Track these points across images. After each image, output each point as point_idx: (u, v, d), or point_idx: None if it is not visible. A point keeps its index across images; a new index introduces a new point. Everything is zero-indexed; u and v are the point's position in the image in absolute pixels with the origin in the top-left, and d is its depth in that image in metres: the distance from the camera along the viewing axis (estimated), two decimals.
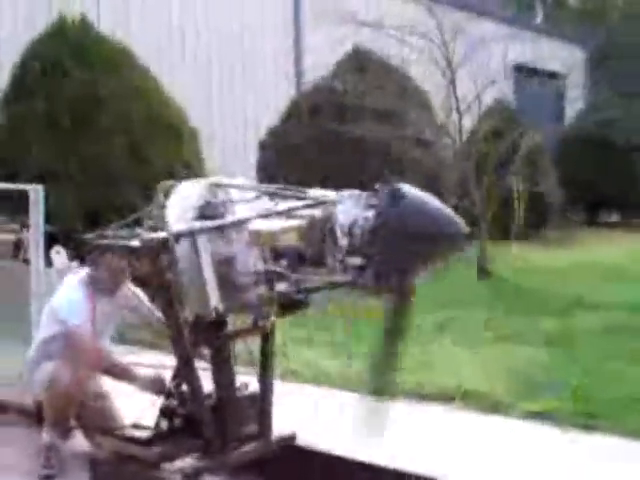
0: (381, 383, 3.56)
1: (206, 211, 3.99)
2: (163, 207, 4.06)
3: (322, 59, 14.90)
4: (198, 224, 3.85)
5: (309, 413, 5.59)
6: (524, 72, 24.36)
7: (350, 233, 3.55)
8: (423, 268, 3.51)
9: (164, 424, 4.16)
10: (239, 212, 4.02)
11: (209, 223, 3.84)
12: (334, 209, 3.59)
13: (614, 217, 22.81)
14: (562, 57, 24.05)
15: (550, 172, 17.60)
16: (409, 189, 3.49)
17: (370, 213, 3.52)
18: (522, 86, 24.34)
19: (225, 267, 3.90)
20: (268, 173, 13.54)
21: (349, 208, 3.59)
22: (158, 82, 10.64)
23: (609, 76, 26.88)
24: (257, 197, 4.07)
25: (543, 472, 4.71)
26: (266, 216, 3.78)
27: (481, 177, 11.60)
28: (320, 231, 3.62)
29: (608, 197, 20.87)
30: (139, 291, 4.82)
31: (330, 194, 3.71)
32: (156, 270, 3.82)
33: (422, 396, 6.08)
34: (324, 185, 3.92)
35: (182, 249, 3.81)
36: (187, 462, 4.03)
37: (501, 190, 12.42)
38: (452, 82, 11.90)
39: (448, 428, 5.49)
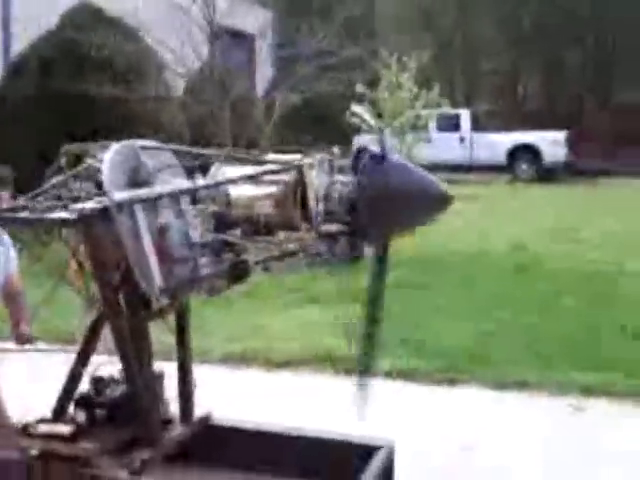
0: (368, 356, 3.46)
1: (137, 177, 3.60)
2: (76, 174, 3.67)
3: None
4: (145, 191, 3.47)
5: None
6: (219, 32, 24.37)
7: (327, 198, 3.39)
8: (409, 229, 3.44)
9: (81, 416, 3.76)
10: (168, 178, 3.69)
11: (163, 189, 3.48)
12: (307, 174, 3.39)
13: None
14: (252, 18, 24.38)
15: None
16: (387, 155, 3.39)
17: (348, 177, 3.39)
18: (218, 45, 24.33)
19: (162, 239, 3.56)
20: None
21: (321, 172, 3.43)
22: None
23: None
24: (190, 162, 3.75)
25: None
26: (236, 181, 3.47)
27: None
28: (293, 197, 3.41)
29: None
30: None
31: (297, 158, 3.49)
32: (95, 245, 3.41)
33: (269, 363, 5.97)
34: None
35: (120, 220, 3.41)
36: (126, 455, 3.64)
37: None
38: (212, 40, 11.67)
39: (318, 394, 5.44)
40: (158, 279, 3.43)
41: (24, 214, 3.52)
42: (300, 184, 3.39)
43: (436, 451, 4.60)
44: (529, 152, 25.17)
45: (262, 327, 6.80)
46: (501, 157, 24.99)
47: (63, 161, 3.84)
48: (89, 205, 3.41)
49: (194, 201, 3.65)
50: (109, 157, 3.49)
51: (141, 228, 3.42)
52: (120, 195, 3.38)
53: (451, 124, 25.50)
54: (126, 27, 13.79)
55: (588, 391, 5.30)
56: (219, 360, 5.98)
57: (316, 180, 3.38)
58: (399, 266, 9.25)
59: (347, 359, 5.97)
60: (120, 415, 3.75)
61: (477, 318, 6.99)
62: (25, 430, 3.72)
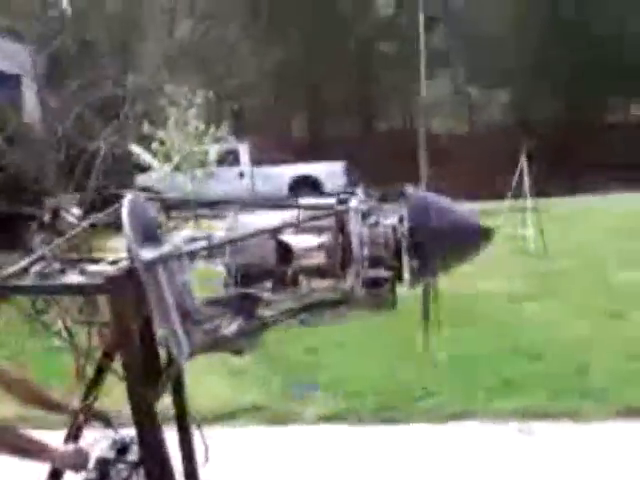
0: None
1: (148, 233, 3.26)
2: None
3: None
4: (173, 248, 3.16)
5: None
6: None
7: (373, 243, 3.23)
8: (456, 267, 3.35)
9: None
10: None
11: (197, 244, 3.18)
12: (347, 218, 3.21)
13: None
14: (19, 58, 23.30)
15: None
16: (426, 193, 3.32)
17: (390, 220, 3.26)
18: None
19: (181, 299, 3.25)
20: None
21: (360, 216, 3.26)
22: None
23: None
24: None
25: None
26: (277, 230, 3.21)
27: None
28: (337, 243, 3.22)
29: None
30: None
31: (335, 203, 3.30)
32: (120, 310, 3.04)
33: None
34: None
35: (147, 282, 3.07)
36: None
37: None
38: None
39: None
40: (185, 343, 3.13)
41: (33, 281, 3.07)
42: (342, 230, 3.21)
43: None
44: (309, 184, 25.69)
45: None
46: (283, 189, 25.30)
47: (47, 217, 3.44)
48: (115, 267, 3.05)
49: (209, 255, 3.38)
50: (126, 213, 3.13)
51: (165, 289, 3.11)
52: (148, 254, 3.05)
53: (231, 158, 25.53)
54: None
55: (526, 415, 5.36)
56: None
57: (358, 225, 3.22)
58: None
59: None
60: None
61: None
62: None
